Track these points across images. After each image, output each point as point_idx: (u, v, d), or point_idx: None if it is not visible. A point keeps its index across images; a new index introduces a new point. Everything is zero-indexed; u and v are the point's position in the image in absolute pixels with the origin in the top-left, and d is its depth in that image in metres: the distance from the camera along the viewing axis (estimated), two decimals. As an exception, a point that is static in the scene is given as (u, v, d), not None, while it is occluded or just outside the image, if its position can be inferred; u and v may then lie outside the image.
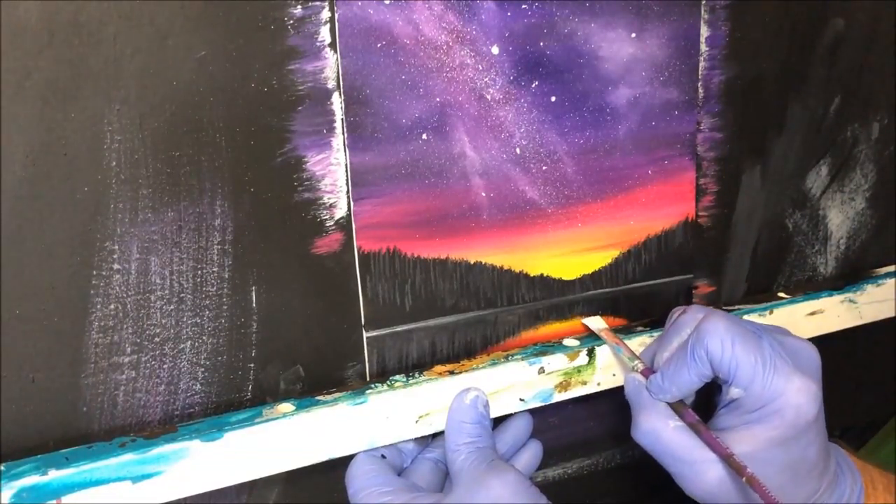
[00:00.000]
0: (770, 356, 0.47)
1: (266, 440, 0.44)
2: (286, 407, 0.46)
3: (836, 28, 0.59)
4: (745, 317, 0.56)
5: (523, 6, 0.49)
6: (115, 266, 0.43)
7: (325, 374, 0.49)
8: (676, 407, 0.49)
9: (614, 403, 0.60)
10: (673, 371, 0.48)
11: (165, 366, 0.45)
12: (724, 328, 0.47)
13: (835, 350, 0.57)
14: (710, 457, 0.47)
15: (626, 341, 0.54)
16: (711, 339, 0.47)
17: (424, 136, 0.48)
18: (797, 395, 0.46)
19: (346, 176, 0.47)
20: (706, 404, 0.53)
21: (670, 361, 0.49)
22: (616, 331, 0.55)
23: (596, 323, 0.56)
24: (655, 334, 0.55)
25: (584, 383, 0.53)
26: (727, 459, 0.46)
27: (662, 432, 0.48)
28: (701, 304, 0.60)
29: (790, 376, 0.46)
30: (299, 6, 0.43)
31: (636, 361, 0.51)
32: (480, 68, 0.49)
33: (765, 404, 0.47)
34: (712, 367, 0.47)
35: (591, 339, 0.54)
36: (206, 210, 0.44)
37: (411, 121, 0.48)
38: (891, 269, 0.65)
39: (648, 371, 0.50)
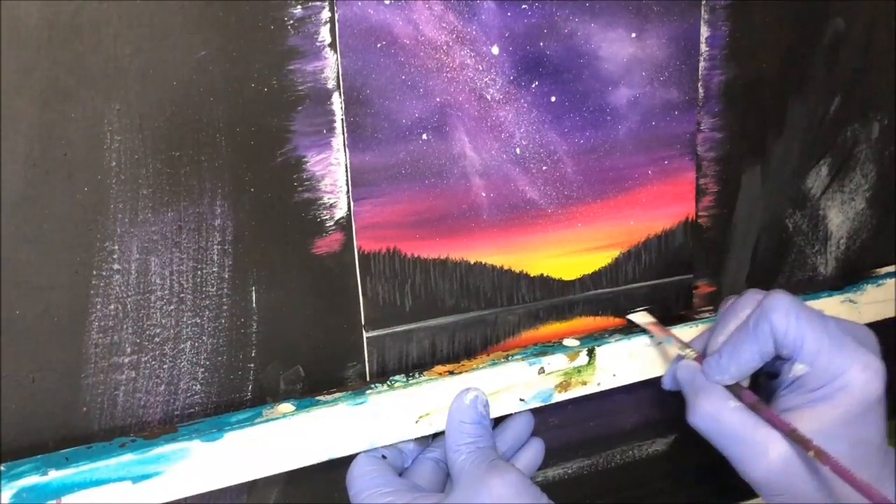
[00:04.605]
0: (835, 332, 0.46)
1: (266, 440, 0.44)
2: (286, 407, 0.46)
3: (836, 28, 0.59)
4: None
5: (523, 6, 0.49)
6: (115, 266, 0.43)
7: (325, 374, 0.49)
8: (734, 389, 0.48)
9: (614, 403, 0.60)
10: (732, 350, 0.48)
11: (165, 366, 0.45)
12: (788, 303, 0.46)
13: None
14: (773, 435, 0.45)
15: (623, 342, 0.54)
16: (776, 313, 0.46)
17: (424, 136, 0.48)
18: (864, 371, 0.45)
19: (346, 176, 0.47)
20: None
21: (728, 342, 0.48)
22: (615, 331, 0.55)
23: (642, 318, 0.56)
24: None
25: (585, 383, 0.53)
26: (791, 434, 0.44)
27: (722, 413, 0.47)
28: (704, 304, 0.60)
29: (856, 352, 0.45)
30: (299, 6, 0.43)
31: (688, 350, 0.51)
32: (480, 68, 0.49)
33: (830, 381, 0.45)
34: (775, 343, 0.46)
35: (591, 339, 0.54)
36: (206, 210, 0.44)
37: (411, 121, 0.48)
38: (891, 269, 0.65)
39: (701, 358, 0.50)
